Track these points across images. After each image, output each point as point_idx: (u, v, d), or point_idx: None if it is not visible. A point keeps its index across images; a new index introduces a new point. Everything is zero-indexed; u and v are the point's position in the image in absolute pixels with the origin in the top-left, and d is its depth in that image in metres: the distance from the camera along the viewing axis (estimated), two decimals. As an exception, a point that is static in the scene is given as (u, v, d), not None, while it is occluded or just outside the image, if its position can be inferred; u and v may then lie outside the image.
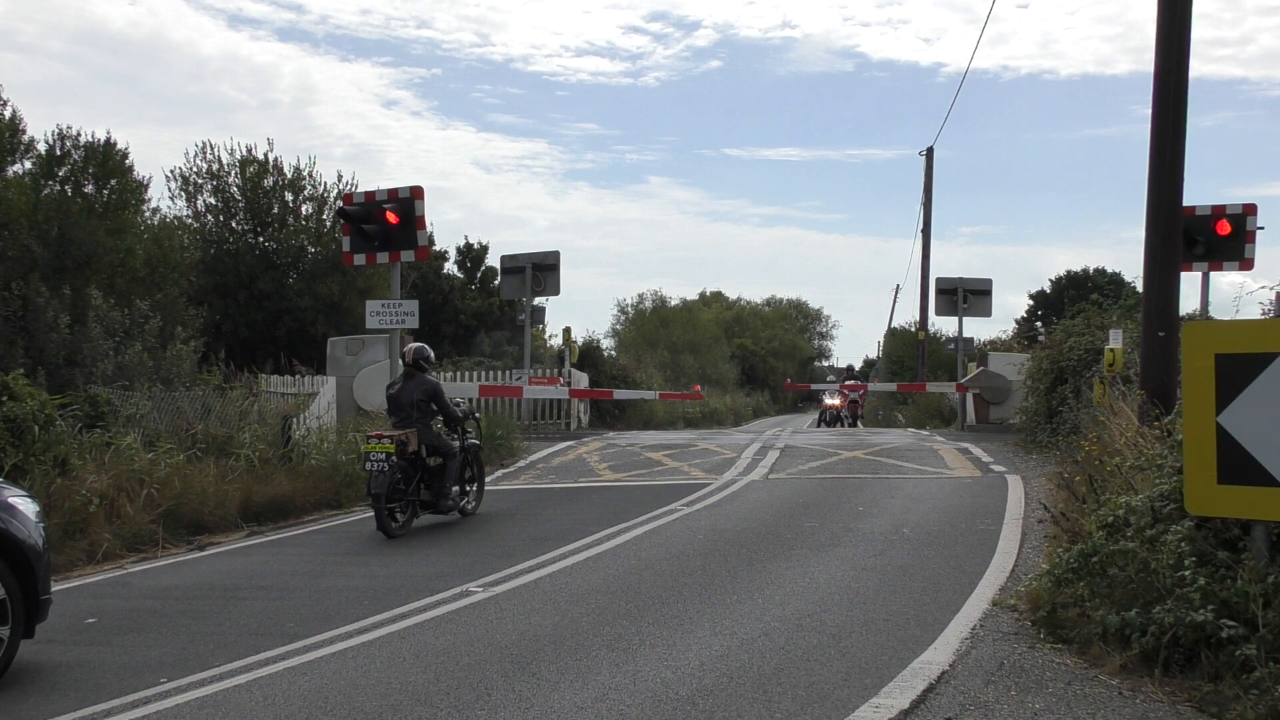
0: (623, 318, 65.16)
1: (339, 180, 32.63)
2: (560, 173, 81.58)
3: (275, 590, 8.48)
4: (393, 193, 15.28)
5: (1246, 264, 16.25)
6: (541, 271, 21.46)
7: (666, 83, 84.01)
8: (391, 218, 15.07)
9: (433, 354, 12.14)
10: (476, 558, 9.71)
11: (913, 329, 41.09)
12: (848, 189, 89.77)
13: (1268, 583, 5.55)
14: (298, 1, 75.18)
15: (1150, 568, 6.17)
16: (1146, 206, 11.23)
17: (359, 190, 18.47)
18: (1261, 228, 16.40)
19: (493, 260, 39.25)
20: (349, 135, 69.83)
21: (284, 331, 29.16)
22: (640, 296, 66.51)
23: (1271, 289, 18.12)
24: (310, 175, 32.08)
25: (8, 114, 15.19)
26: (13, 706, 5.70)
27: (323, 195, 31.93)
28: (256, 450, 12.79)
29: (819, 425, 35.65)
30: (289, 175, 31.67)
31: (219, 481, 11.73)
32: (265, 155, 31.52)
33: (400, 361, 12.62)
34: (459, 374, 23.28)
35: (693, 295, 76.30)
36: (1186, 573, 5.87)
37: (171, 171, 35.45)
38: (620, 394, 20.55)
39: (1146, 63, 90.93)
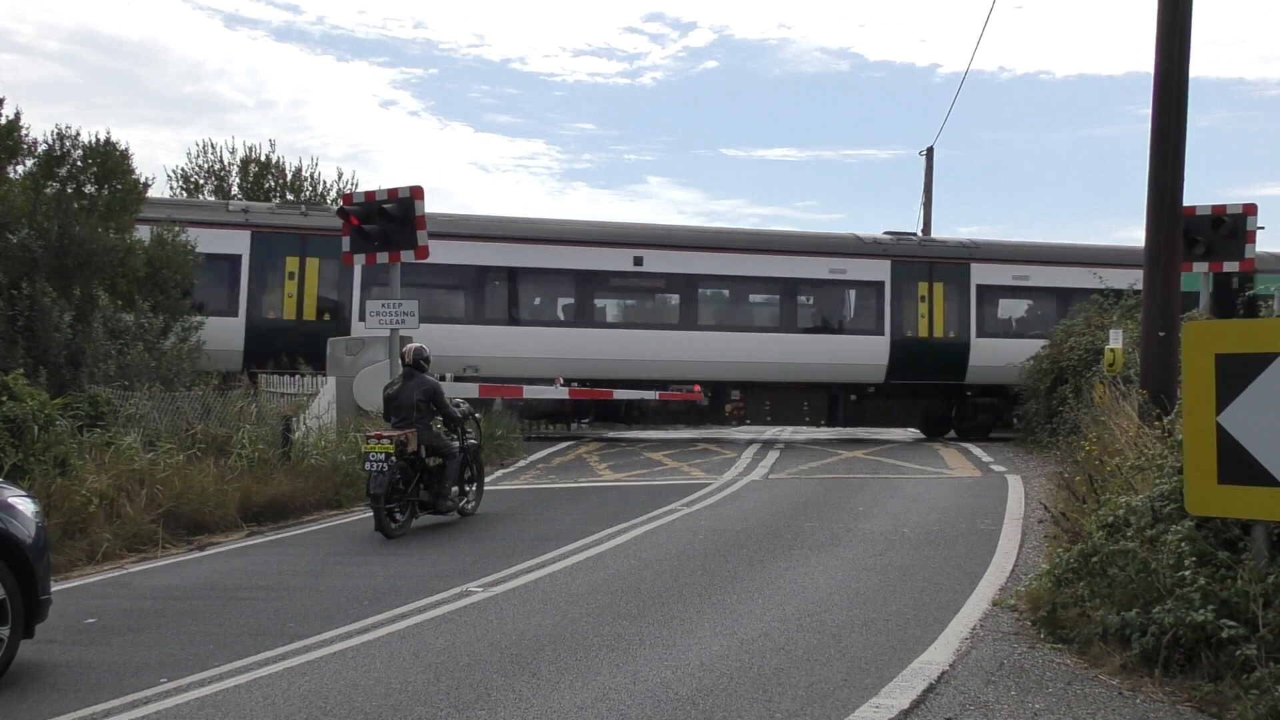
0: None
1: (339, 179, 32.66)
2: (558, 173, 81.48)
3: (275, 590, 8.48)
4: (392, 192, 15.28)
5: (1247, 264, 16.23)
6: None
7: (663, 83, 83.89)
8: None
9: (430, 354, 12.13)
10: (476, 558, 9.71)
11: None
12: (845, 189, 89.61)
13: (1268, 583, 5.55)
14: (294, 1, 75.09)
15: (1150, 568, 6.17)
16: (1147, 206, 11.22)
17: (359, 190, 18.46)
18: (1262, 228, 16.39)
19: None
20: (346, 135, 69.75)
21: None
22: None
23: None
24: (311, 176, 32.11)
25: (9, 113, 15.16)
26: (13, 707, 5.70)
27: (322, 195, 31.94)
28: (256, 450, 12.78)
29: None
30: (289, 175, 31.70)
31: (219, 481, 11.71)
32: (266, 156, 31.58)
33: (399, 361, 12.62)
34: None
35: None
36: (1186, 573, 5.87)
37: (173, 171, 35.50)
38: (620, 394, 20.49)
39: (1141, 63, 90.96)
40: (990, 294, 22.09)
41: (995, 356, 21.50)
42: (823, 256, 21.51)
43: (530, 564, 9.28)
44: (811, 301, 22.19)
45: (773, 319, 21.77)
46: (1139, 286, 21.47)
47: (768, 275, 21.38)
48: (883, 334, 21.49)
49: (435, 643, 6.78)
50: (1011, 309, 22.79)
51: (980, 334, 21.79)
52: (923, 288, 21.61)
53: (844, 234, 22.78)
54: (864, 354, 21.43)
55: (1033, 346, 21.22)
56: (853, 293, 22.04)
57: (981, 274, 21.93)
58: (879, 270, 21.62)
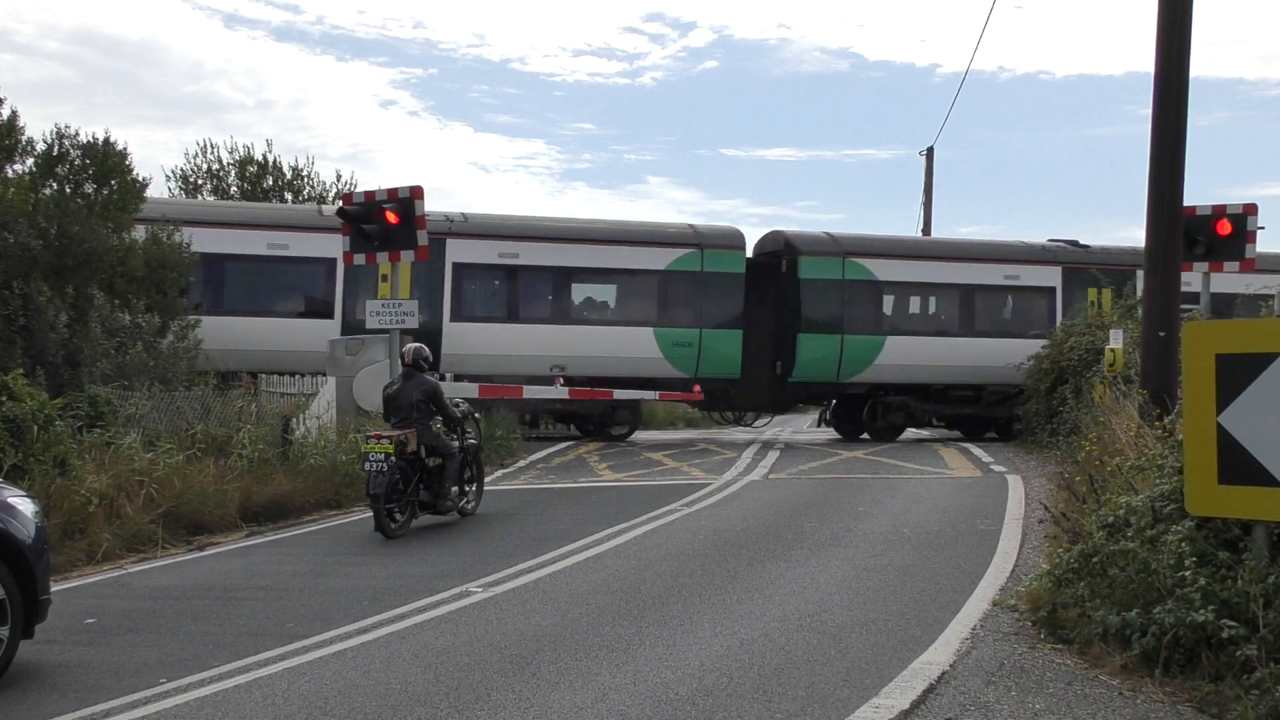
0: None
1: (337, 180, 32.66)
2: (558, 173, 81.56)
3: (275, 590, 8.47)
4: (392, 192, 15.27)
5: (1247, 264, 16.21)
6: None
7: (663, 83, 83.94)
8: (391, 218, 15.08)
9: (430, 354, 12.12)
10: (476, 558, 9.70)
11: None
12: (844, 189, 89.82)
13: (1268, 583, 5.55)
14: (294, 1, 75.13)
15: (1151, 568, 6.17)
16: (1147, 206, 11.22)
17: (359, 190, 18.42)
18: (1262, 227, 16.34)
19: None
20: (346, 135, 69.84)
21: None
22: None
23: (1272, 289, 18.13)
24: (309, 175, 32.10)
25: (5, 113, 15.14)
26: (12, 707, 5.70)
27: (321, 195, 31.94)
28: (256, 450, 12.77)
29: (819, 425, 35.58)
30: (288, 176, 31.70)
31: (218, 481, 11.70)
32: (264, 156, 31.58)
33: (399, 361, 12.61)
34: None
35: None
36: (1187, 573, 5.86)
37: (171, 171, 35.54)
38: (620, 394, 20.45)
39: (1141, 63, 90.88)
40: (471, 274, 19.98)
41: (478, 344, 19.58)
42: (261, 230, 19.35)
43: (530, 564, 9.27)
44: (247, 281, 19.86)
45: (200, 299, 18.62)
46: (654, 266, 20.16)
47: (202, 250, 17.81)
48: (333, 318, 19.37)
49: (435, 643, 6.78)
50: (498, 291, 20.55)
51: (456, 318, 19.68)
52: (385, 266, 18.79)
53: (301, 207, 20.50)
54: (309, 340, 18.54)
55: (527, 332, 19.41)
56: (298, 272, 19.88)
57: (460, 251, 19.74)
58: (328, 246, 18.80)
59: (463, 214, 20.62)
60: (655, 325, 20.51)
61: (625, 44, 79.15)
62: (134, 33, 66.82)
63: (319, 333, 18.50)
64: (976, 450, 19.06)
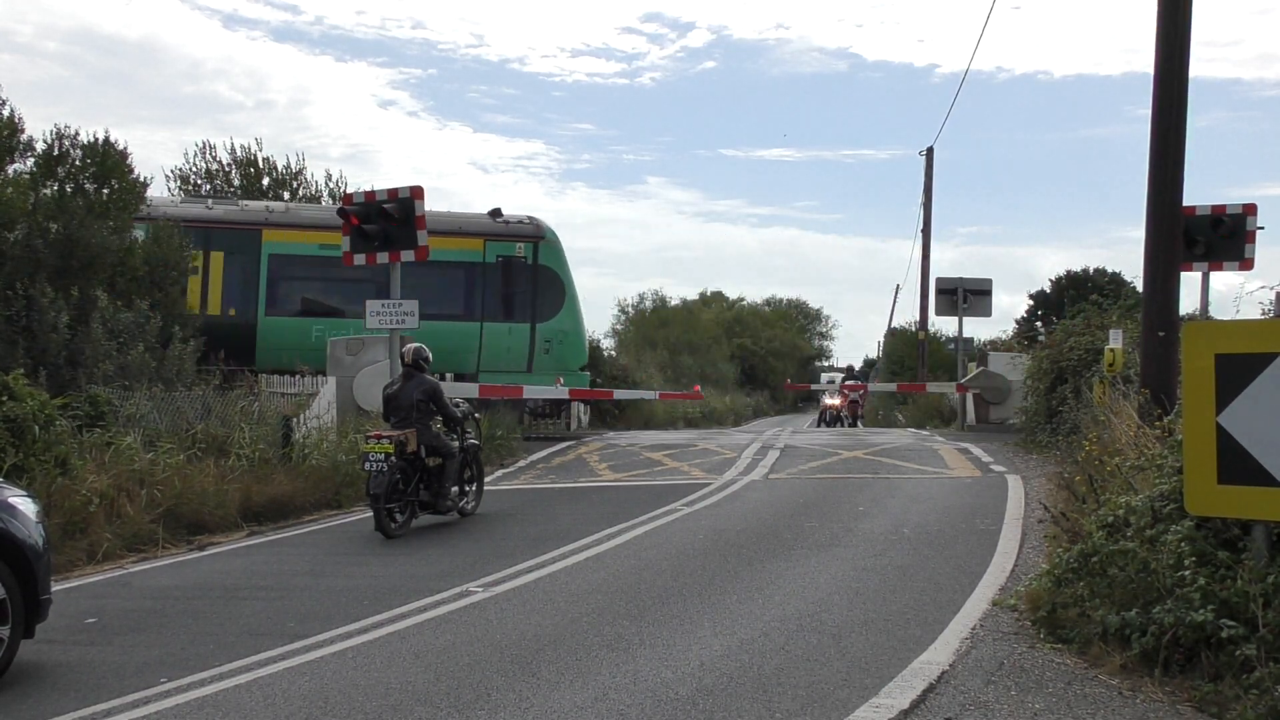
0: (622, 318, 64.67)
1: (328, 179, 32.73)
2: (557, 173, 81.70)
3: (275, 590, 8.48)
4: (392, 193, 15.28)
5: (1247, 264, 16.23)
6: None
7: (662, 83, 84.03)
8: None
9: (430, 354, 12.11)
10: (476, 558, 9.71)
11: (913, 329, 41.00)
12: (843, 189, 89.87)
13: (1268, 583, 5.55)
14: (293, 2, 75.20)
15: (1150, 568, 6.17)
16: (1147, 206, 11.22)
17: (357, 190, 18.45)
18: (1262, 228, 16.39)
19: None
20: (346, 135, 69.89)
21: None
22: (640, 296, 65.91)
23: (1271, 289, 18.15)
24: (301, 174, 32.13)
25: (5, 113, 15.14)
26: (13, 706, 5.70)
27: (316, 196, 31.97)
28: (256, 450, 12.78)
29: (819, 425, 35.64)
30: (283, 175, 31.72)
31: (219, 481, 11.71)
32: (256, 155, 31.63)
33: (399, 361, 12.61)
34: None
35: (693, 295, 75.74)
36: (1186, 573, 5.87)
37: (171, 171, 35.50)
38: (620, 394, 20.51)
39: (1140, 63, 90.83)
40: None
41: None
42: None
43: (530, 564, 9.28)
44: None
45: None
46: None
47: None
48: None
49: (436, 642, 6.78)
50: None
51: None
52: None
53: None
54: None
55: None
56: None
57: None
58: None
59: None
60: None
61: (624, 44, 79.24)
62: (133, 33, 66.90)
63: None
64: (976, 450, 19.04)
